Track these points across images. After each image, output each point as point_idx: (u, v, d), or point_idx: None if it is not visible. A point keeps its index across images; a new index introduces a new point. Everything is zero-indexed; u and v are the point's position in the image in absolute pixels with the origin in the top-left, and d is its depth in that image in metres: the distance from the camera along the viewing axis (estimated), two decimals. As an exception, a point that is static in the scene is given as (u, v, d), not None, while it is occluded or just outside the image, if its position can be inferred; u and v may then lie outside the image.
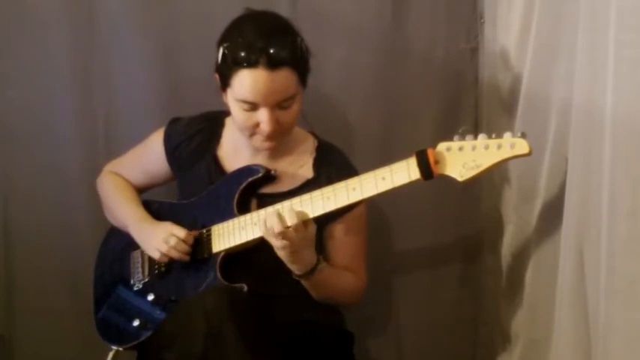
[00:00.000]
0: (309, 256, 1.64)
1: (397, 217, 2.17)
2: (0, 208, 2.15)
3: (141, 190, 1.92)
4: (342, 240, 1.75)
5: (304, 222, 1.57)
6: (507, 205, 1.98)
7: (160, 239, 1.70)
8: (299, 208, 1.58)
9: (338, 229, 1.74)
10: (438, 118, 2.14)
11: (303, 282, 1.68)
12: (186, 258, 1.71)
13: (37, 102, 2.10)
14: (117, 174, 1.92)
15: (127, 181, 1.91)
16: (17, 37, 2.06)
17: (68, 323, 2.16)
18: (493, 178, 2.00)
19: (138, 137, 1.92)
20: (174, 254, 1.70)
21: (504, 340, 2.03)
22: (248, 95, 1.61)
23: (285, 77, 1.61)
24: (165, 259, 1.72)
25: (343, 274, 1.75)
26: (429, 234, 2.19)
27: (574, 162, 1.55)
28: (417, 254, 2.21)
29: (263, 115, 1.63)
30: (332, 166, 1.76)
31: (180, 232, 1.70)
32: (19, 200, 2.15)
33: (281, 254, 1.60)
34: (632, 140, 1.32)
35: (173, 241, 1.69)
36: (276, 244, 1.57)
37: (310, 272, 1.64)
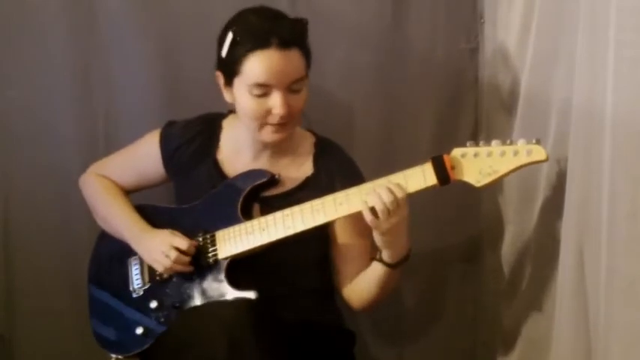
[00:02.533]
0: (406, 241, 1.62)
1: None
2: (0, 208, 2.15)
3: (130, 192, 1.89)
4: (360, 238, 1.71)
5: (405, 200, 1.53)
6: (507, 205, 1.98)
7: (160, 252, 1.68)
8: (309, 214, 1.58)
9: (353, 230, 1.71)
10: (438, 118, 2.14)
11: (384, 274, 1.64)
12: (189, 269, 1.68)
13: (37, 102, 2.10)
14: (103, 177, 1.89)
15: (116, 184, 1.88)
16: (17, 37, 2.06)
17: (68, 323, 2.15)
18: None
19: (138, 137, 1.91)
20: (177, 268, 1.68)
21: (504, 339, 2.03)
22: (262, 77, 1.60)
23: (295, 58, 1.62)
24: (170, 273, 1.70)
25: None
26: (429, 234, 2.19)
27: (574, 162, 1.55)
28: (417, 254, 2.18)
29: (276, 99, 1.61)
30: (332, 162, 1.75)
31: (182, 243, 1.67)
32: (19, 200, 2.15)
33: (383, 238, 1.56)
34: (632, 140, 1.32)
35: (174, 255, 1.66)
36: (385, 224, 1.52)
37: (408, 256, 1.63)
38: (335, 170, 1.72)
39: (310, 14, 2.00)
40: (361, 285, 1.71)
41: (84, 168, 1.96)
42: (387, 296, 1.72)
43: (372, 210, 1.52)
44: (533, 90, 1.79)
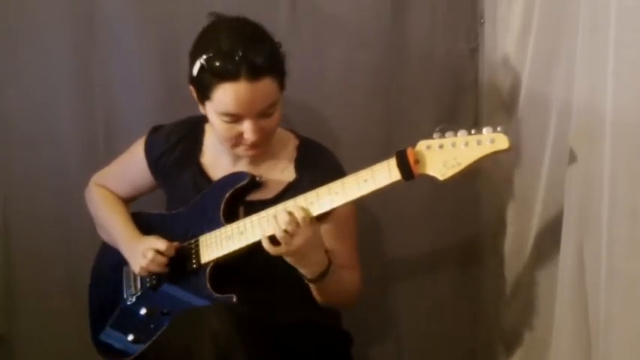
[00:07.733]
0: (320, 257, 1.59)
1: (397, 216, 2.16)
2: (0, 208, 2.15)
3: (129, 200, 1.90)
4: (335, 241, 1.69)
5: (309, 220, 1.52)
6: (507, 205, 1.98)
7: (140, 254, 1.69)
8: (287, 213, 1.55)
9: (328, 231, 1.67)
10: (438, 118, 2.13)
11: (314, 286, 1.64)
12: (164, 269, 1.69)
13: (37, 102, 2.10)
14: (103, 187, 1.90)
15: (114, 194, 1.89)
16: (17, 37, 2.06)
17: (68, 323, 2.15)
18: (493, 177, 2.00)
19: (137, 138, 1.91)
20: (153, 268, 1.69)
21: (504, 340, 2.03)
22: (231, 108, 1.58)
23: (266, 86, 1.58)
24: (145, 274, 1.71)
25: (348, 274, 1.71)
26: (428, 234, 2.19)
27: (574, 162, 1.55)
28: (416, 254, 2.21)
29: (247, 126, 1.60)
30: (316, 167, 1.71)
31: (161, 244, 1.68)
32: (19, 200, 2.15)
33: (291, 260, 1.56)
34: (632, 140, 1.32)
35: (150, 255, 1.67)
36: (287, 247, 1.52)
37: (323, 275, 1.60)
38: (318, 175, 1.66)
39: (310, 14, 2.01)
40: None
41: (84, 168, 1.97)
42: (347, 295, 1.71)
43: (273, 238, 1.52)
44: (533, 90, 1.79)
